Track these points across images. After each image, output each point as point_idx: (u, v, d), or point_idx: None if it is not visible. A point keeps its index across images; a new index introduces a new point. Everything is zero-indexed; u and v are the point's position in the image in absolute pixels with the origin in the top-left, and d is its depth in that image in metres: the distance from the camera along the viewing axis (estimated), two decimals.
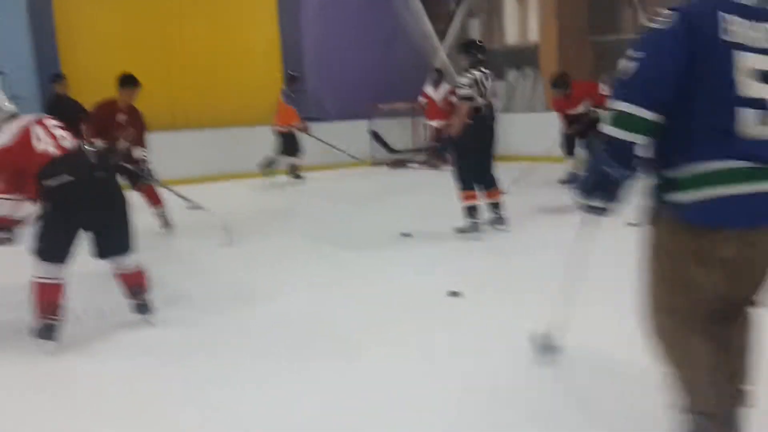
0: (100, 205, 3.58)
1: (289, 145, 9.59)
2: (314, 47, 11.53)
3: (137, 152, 6.01)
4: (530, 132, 10.01)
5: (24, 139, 3.52)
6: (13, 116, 3.64)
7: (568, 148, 8.00)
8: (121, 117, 5.93)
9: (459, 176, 5.63)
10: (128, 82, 5.93)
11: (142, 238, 5.82)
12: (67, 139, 3.60)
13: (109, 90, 5.97)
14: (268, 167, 9.64)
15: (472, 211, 5.63)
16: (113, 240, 3.67)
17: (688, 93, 1.79)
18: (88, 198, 3.50)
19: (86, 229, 3.57)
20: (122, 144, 5.91)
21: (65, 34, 9.61)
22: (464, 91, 5.52)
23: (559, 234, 5.63)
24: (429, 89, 10.92)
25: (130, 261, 3.74)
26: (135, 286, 3.78)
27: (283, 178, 9.80)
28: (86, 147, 3.62)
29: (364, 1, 11.86)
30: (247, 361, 3.26)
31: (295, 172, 9.84)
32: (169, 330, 3.75)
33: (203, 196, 6.86)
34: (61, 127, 3.68)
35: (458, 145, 5.66)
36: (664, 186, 1.90)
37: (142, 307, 3.82)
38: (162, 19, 10.33)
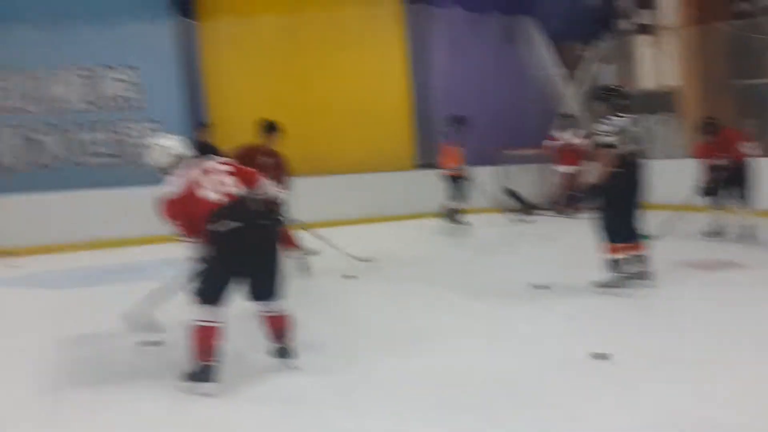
0: (261, 251, 3.72)
1: (455, 187, 9.47)
2: (443, 93, 11.67)
3: (278, 196, 6.26)
4: (668, 180, 9.50)
5: (192, 187, 3.67)
6: (182, 160, 3.82)
7: (712, 198, 7.55)
8: (264, 160, 6.18)
9: (603, 227, 5.40)
10: (270, 127, 6.29)
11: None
12: (234, 186, 3.72)
13: (252, 136, 6.35)
14: (451, 215, 9.44)
15: (615, 264, 5.39)
16: (267, 284, 3.78)
17: None
18: (250, 244, 3.64)
19: (244, 274, 3.70)
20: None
21: (213, 86, 10.33)
22: (607, 139, 5.32)
23: (711, 293, 5.44)
24: (558, 134, 10.73)
25: (277, 305, 3.83)
26: (280, 329, 3.85)
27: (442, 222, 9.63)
28: (251, 194, 3.74)
29: (492, 47, 11.91)
30: (379, 410, 3.25)
31: (454, 216, 9.60)
32: (307, 377, 3.76)
33: (335, 238, 7.04)
34: (229, 173, 3.79)
35: (603, 195, 5.44)
36: None
37: (284, 352, 3.87)
38: (300, 70, 10.86)
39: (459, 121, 9.70)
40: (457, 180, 9.40)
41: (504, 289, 5.72)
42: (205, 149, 8.15)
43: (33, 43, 9.29)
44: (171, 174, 3.78)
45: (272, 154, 6.31)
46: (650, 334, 4.35)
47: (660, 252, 6.45)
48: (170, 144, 3.87)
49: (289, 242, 6.42)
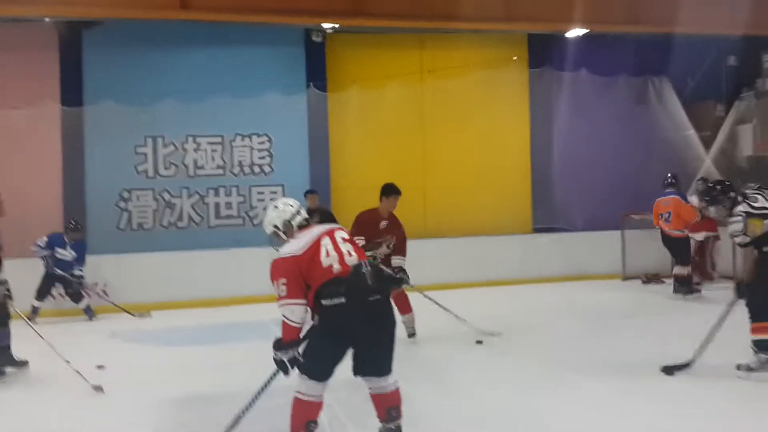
0: (371, 327, 3.53)
1: (683, 251, 9.06)
2: (564, 156, 11.42)
3: (396, 260, 6.30)
4: None
5: (314, 250, 3.55)
6: (305, 224, 3.77)
7: None
8: (383, 224, 6.30)
9: (757, 307, 4.87)
10: (391, 190, 6.30)
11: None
12: (353, 256, 3.62)
13: (372, 202, 6.43)
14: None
15: (764, 346, 4.83)
16: (377, 360, 3.60)
17: None
18: (360, 320, 3.47)
19: (353, 348, 3.57)
20: (383, 250, 6.23)
21: (337, 153, 10.75)
22: (740, 239, 4.86)
23: None
24: (693, 200, 10.03)
25: (389, 381, 3.64)
26: (391, 408, 3.63)
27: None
28: (366, 268, 3.51)
29: (620, 109, 11.56)
30: None
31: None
32: None
33: (448, 301, 6.91)
34: (349, 241, 3.70)
35: (759, 276, 4.89)
36: None
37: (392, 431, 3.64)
38: (422, 135, 11.09)
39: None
40: (683, 241, 8.97)
41: (630, 370, 5.24)
42: (323, 216, 8.47)
43: (176, 115, 10.15)
44: (286, 237, 3.74)
45: (391, 217, 6.36)
46: None
47: None
48: (290, 207, 3.84)
49: (404, 305, 6.37)
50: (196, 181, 10.40)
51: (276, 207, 3.85)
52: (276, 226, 3.79)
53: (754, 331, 4.86)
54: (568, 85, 11.46)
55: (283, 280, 3.49)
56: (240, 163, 10.51)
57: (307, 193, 9.04)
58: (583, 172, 11.25)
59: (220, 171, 10.47)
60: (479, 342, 6.41)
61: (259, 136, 10.57)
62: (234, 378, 5.21)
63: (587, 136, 11.38)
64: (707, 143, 11.31)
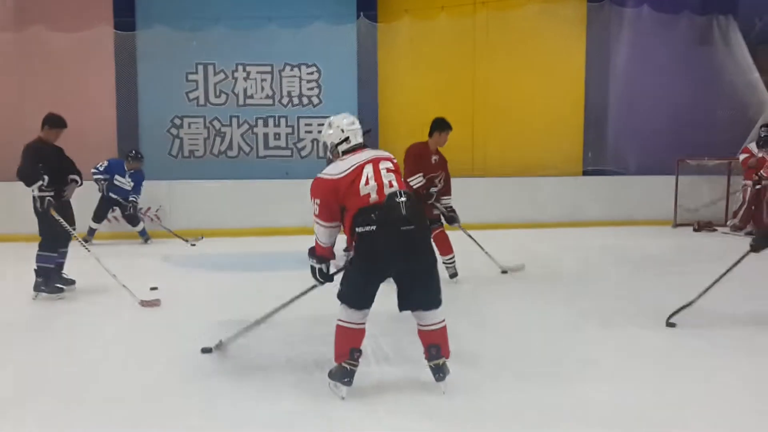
0: (406, 258, 3.51)
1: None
2: (619, 95, 11.06)
3: (446, 199, 6.31)
4: None
5: (355, 176, 3.52)
6: (355, 148, 3.69)
7: None
8: (434, 158, 6.23)
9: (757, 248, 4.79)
10: (444, 125, 6.13)
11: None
12: (393, 186, 3.56)
13: (419, 136, 6.31)
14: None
15: None
16: (418, 293, 3.59)
17: None
18: (392, 249, 3.46)
19: (394, 279, 3.60)
20: (436, 186, 6.21)
21: (387, 86, 10.61)
22: None
23: None
24: (753, 147, 9.67)
25: (434, 317, 3.63)
26: (432, 345, 3.62)
27: None
28: (400, 198, 3.48)
29: (682, 49, 11.07)
30: None
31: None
32: (456, 397, 3.54)
33: (493, 242, 6.88)
34: (393, 171, 3.63)
35: None
36: None
37: (436, 371, 3.62)
38: (473, 71, 10.83)
39: None
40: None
41: (669, 312, 5.08)
42: None
43: (226, 42, 10.12)
44: (338, 157, 3.70)
45: (440, 154, 6.28)
46: None
47: None
48: (341, 131, 3.72)
49: (444, 246, 6.33)
50: (245, 110, 10.45)
51: (330, 124, 3.78)
52: (325, 144, 3.81)
53: None
54: (629, 21, 10.99)
55: (317, 200, 3.57)
56: (289, 94, 10.49)
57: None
58: (639, 114, 10.90)
59: (269, 101, 10.47)
60: (504, 272, 6.61)
61: (308, 66, 10.49)
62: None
63: (645, 76, 10.95)
64: None
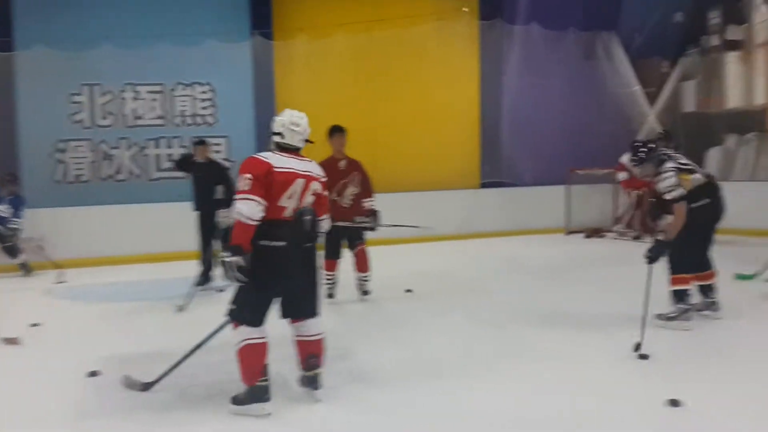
0: (299, 272, 3.59)
1: None
2: (513, 110, 11.41)
3: (368, 202, 6.28)
4: (751, 203, 8.95)
5: (286, 182, 3.50)
6: (290, 149, 3.66)
7: None
8: (342, 163, 6.23)
9: (675, 259, 5.02)
10: (333, 129, 6.24)
11: (339, 305, 6.02)
12: (307, 207, 3.56)
13: (319, 154, 6.23)
14: None
15: (683, 296, 5.02)
16: (303, 303, 3.66)
17: None
18: (293, 264, 3.52)
19: (280, 293, 3.60)
20: (351, 189, 6.20)
21: (284, 103, 10.41)
22: (676, 192, 4.90)
23: None
24: (626, 158, 10.09)
25: (313, 327, 3.70)
26: (311, 355, 3.68)
27: None
28: (307, 216, 3.54)
29: (569, 64, 11.56)
30: None
31: None
32: (335, 408, 3.59)
33: (395, 256, 6.90)
34: (317, 193, 3.68)
35: (682, 230, 4.95)
36: None
37: (311, 381, 3.69)
38: (370, 87, 10.85)
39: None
40: None
41: (564, 321, 5.36)
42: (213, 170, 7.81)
43: (113, 62, 9.69)
44: (273, 148, 3.67)
45: (348, 158, 6.29)
46: (722, 376, 4.01)
47: (749, 284, 6.06)
48: (290, 122, 3.70)
49: (363, 263, 6.35)
50: (135, 131, 10.02)
51: (281, 115, 3.76)
52: (276, 128, 3.72)
53: (672, 282, 5.02)
54: (519, 38, 11.39)
55: (249, 176, 3.46)
56: (182, 113, 10.17)
57: (196, 144, 7.65)
58: (532, 127, 11.29)
59: (161, 121, 10.11)
60: (409, 291, 6.63)
61: (201, 85, 10.21)
62: (177, 334, 5.13)
63: (536, 90, 11.35)
64: (652, 99, 11.46)
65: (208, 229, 7.11)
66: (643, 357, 4.29)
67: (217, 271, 6.97)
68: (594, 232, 10.66)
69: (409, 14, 10.79)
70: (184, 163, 7.47)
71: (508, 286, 7.01)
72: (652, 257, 4.82)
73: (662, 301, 5.06)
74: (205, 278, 7.01)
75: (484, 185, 11.33)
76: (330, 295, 6.29)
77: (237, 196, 3.46)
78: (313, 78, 10.62)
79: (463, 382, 4.01)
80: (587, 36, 11.73)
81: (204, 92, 10.22)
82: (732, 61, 11.22)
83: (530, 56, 11.34)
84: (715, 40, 11.40)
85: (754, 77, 10.90)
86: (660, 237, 4.99)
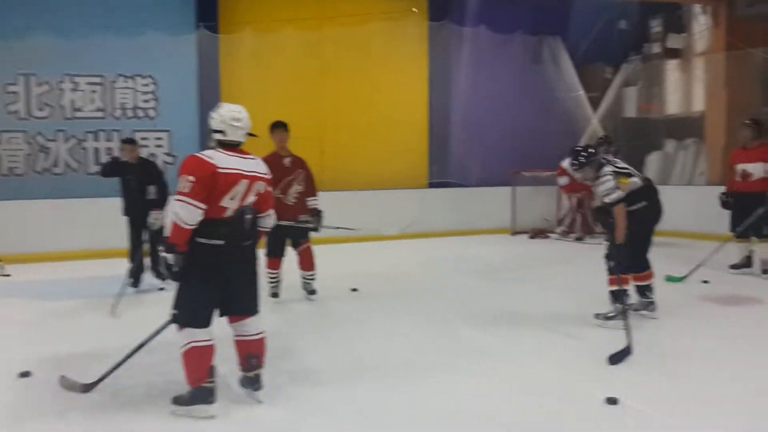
0: (239, 269, 3.53)
1: None
2: (461, 111, 11.49)
3: (312, 201, 6.17)
4: (688, 207, 9.26)
5: (229, 182, 3.39)
6: (233, 146, 3.51)
7: (741, 230, 7.13)
8: (287, 161, 6.09)
9: (615, 261, 5.09)
10: (274, 125, 6.08)
11: (283, 304, 5.91)
12: (247, 205, 3.48)
13: (266, 151, 6.14)
14: None
15: (621, 296, 5.11)
16: (243, 300, 3.58)
17: None
18: (232, 262, 3.45)
19: (222, 290, 3.50)
20: (296, 188, 6.07)
21: (230, 99, 10.20)
22: (615, 195, 4.98)
23: (723, 330, 5.15)
24: (566, 163, 10.24)
25: (253, 326, 3.63)
26: (252, 356, 3.61)
27: None
28: (248, 215, 3.45)
29: (516, 67, 11.71)
30: None
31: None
32: (277, 409, 3.53)
33: (341, 254, 6.83)
34: (261, 193, 3.58)
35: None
36: None
37: (252, 381, 3.62)
38: (320, 85, 10.76)
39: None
40: None
41: (507, 320, 5.40)
42: (147, 169, 7.47)
43: (51, 51, 9.33)
44: (214, 145, 3.52)
45: (292, 155, 6.16)
46: (656, 374, 4.08)
47: (683, 285, 6.22)
48: (231, 117, 3.53)
49: (308, 262, 6.23)
50: (73, 124, 9.67)
51: (217, 109, 3.59)
52: (218, 126, 3.54)
53: (610, 282, 5.11)
54: (467, 40, 11.49)
55: (192, 178, 3.32)
56: (122, 106, 9.86)
57: (124, 142, 7.26)
58: (480, 129, 11.39)
59: (101, 114, 9.78)
60: (354, 290, 6.55)
61: (143, 77, 9.92)
62: (115, 334, 4.96)
63: (484, 92, 11.46)
64: (595, 104, 11.72)
65: (139, 231, 6.76)
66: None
67: (148, 273, 6.83)
68: (538, 233, 10.83)
69: (359, 12, 10.74)
70: (111, 168, 7.01)
71: (453, 286, 7.04)
72: (611, 260, 5.02)
73: (602, 301, 5.16)
74: (136, 280, 6.75)
75: (432, 185, 11.37)
76: (274, 294, 6.18)
77: (176, 197, 3.34)
78: (261, 73, 10.45)
79: (407, 380, 3.98)
80: (534, 40, 11.92)
81: (146, 85, 9.94)
82: (672, 68, 11.59)
83: (478, 58, 11.45)
84: (656, 48, 11.75)
85: (693, 85, 11.27)
86: (611, 241, 5.08)
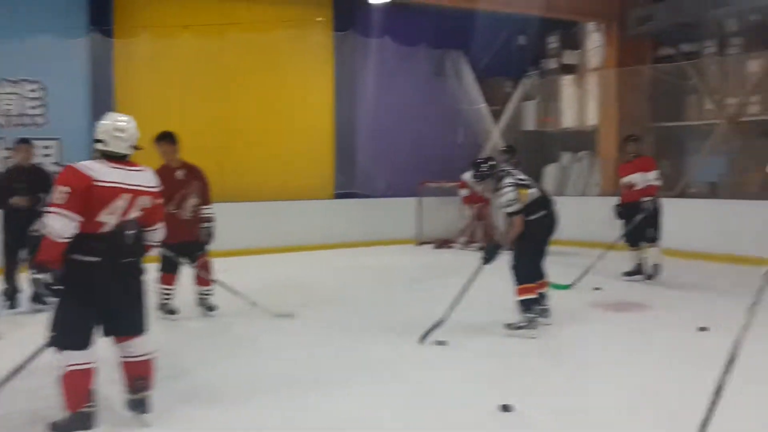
0: (119, 287, 3.33)
1: None
2: (367, 122, 11.50)
3: (206, 211, 5.91)
4: (583, 217, 9.65)
5: (108, 197, 3.21)
6: (117, 158, 3.32)
7: (631, 238, 7.49)
8: (180, 173, 5.82)
9: (519, 271, 5.22)
10: (158, 138, 5.75)
11: (178, 321, 5.66)
12: (130, 220, 3.31)
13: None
14: None
15: (529, 305, 5.21)
16: (124, 319, 3.39)
17: None
18: (110, 280, 3.27)
19: (103, 309, 3.32)
20: (192, 201, 5.81)
21: (124, 105, 9.78)
22: (515, 206, 5.14)
23: (614, 337, 5.31)
24: (467, 176, 10.38)
25: (140, 347, 3.44)
26: (139, 377, 3.42)
27: None
28: (129, 230, 3.29)
29: (420, 80, 11.86)
30: None
31: None
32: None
33: (247, 267, 6.64)
34: (146, 208, 3.41)
35: (520, 242, 5.24)
36: None
37: (138, 404, 3.44)
38: (221, 93, 10.44)
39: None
40: None
41: (409, 330, 5.26)
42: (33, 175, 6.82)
43: None
44: (98, 156, 3.31)
45: (187, 166, 5.89)
46: (551, 381, 4.17)
47: (576, 293, 6.41)
48: (114, 128, 3.35)
49: (205, 278, 5.97)
50: None
51: (104, 118, 3.42)
52: (101, 134, 3.34)
53: (518, 292, 5.21)
54: (373, 51, 11.51)
55: (66, 189, 3.13)
56: (7, 113, 9.21)
57: (19, 142, 6.63)
58: (385, 139, 11.43)
59: None
60: (253, 304, 5.98)
61: (30, 82, 9.32)
62: None
63: (390, 103, 11.53)
64: (497, 117, 12.04)
65: (17, 248, 6.12)
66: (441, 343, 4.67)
67: (24, 293, 6.26)
68: (443, 243, 10.96)
69: (262, 20, 10.56)
70: None
71: (357, 297, 6.98)
72: (487, 258, 5.14)
73: (510, 310, 5.26)
74: (11, 301, 6.25)
75: (338, 196, 11.29)
76: (169, 311, 5.90)
77: (49, 209, 3.15)
78: (158, 80, 10.05)
79: (307, 396, 3.89)
80: (437, 53, 12.12)
81: (33, 90, 9.34)
82: (567, 84, 12.08)
83: (384, 69, 11.51)
84: (553, 64, 12.21)
85: (587, 100, 11.78)
86: (516, 251, 5.20)
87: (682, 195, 9.83)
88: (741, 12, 9.46)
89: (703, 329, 5.25)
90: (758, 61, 9.36)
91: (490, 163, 5.37)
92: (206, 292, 6.03)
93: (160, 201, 3.60)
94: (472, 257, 9.09)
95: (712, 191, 10.14)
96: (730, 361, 2.77)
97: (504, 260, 5.24)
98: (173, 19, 10.06)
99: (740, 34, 9.74)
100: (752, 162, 9.13)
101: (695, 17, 9.84)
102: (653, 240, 7.33)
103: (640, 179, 7.37)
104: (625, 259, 7.59)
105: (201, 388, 4.04)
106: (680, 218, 8.16)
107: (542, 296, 5.45)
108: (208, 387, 4.06)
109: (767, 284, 2.76)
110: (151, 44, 9.91)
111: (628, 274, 7.57)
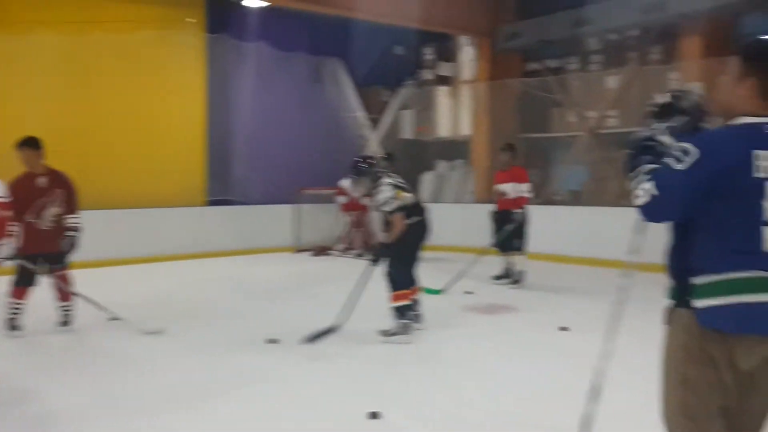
0: None
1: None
2: (243, 128, 11.20)
3: (71, 219, 5.49)
4: (458, 223, 9.91)
5: None
6: None
7: (500, 244, 7.76)
8: (42, 181, 5.41)
9: (394, 277, 5.22)
10: (21, 143, 5.37)
11: (28, 338, 5.23)
12: None
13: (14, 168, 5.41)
14: None
15: (404, 311, 5.22)
16: None
17: (710, 216, 1.89)
18: None
19: None
20: (54, 210, 5.40)
21: None
22: (393, 204, 5.19)
23: (486, 339, 5.45)
24: (345, 183, 10.34)
25: None
26: None
27: None
28: None
29: (298, 86, 11.74)
30: None
31: None
32: None
33: (112, 278, 6.23)
34: None
35: (395, 248, 5.25)
36: (684, 290, 1.96)
37: None
38: (78, 95, 9.75)
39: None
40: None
41: (285, 339, 5.19)
42: None
43: None
44: None
45: (51, 173, 5.47)
46: (423, 387, 4.17)
47: (449, 297, 6.52)
48: None
49: (64, 292, 5.53)
50: None
51: None
52: None
53: (393, 299, 5.22)
54: (248, 55, 11.27)
55: None
56: None
57: None
58: (262, 146, 11.17)
59: None
60: (115, 318, 5.63)
61: None
62: None
63: (266, 109, 11.30)
64: (375, 125, 12.15)
65: None
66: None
67: None
68: (321, 251, 10.87)
69: (127, 19, 10.01)
70: None
71: (228, 308, 6.73)
72: (374, 259, 5.23)
73: (384, 317, 5.25)
74: None
75: (211, 203, 10.90)
76: (13, 327, 5.40)
77: None
78: (12, 80, 9.23)
79: (169, 416, 3.64)
80: (315, 60, 12.06)
81: None
82: (442, 94, 12.40)
83: (259, 75, 11.28)
84: (428, 75, 12.50)
85: (461, 111, 12.16)
86: (391, 258, 5.21)
87: (548, 202, 10.33)
88: (601, 32, 10.09)
89: (563, 329, 5.50)
90: (616, 78, 10.03)
91: (368, 160, 5.42)
92: (66, 307, 5.59)
93: (7, 213, 3.28)
94: (351, 264, 9.17)
95: (576, 198, 10.72)
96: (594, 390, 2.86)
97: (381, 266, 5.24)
98: (29, 15, 9.31)
99: (600, 52, 10.40)
100: (611, 171, 9.75)
101: (559, 35, 10.40)
102: (519, 249, 7.64)
103: (511, 189, 7.63)
104: (496, 263, 7.84)
105: (48, 412, 3.70)
106: (546, 224, 8.56)
107: (415, 302, 5.50)
108: (57, 410, 3.73)
109: (625, 284, 2.89)
110: (5, 42, 9.11)
111: (497, 278, 7.85)
